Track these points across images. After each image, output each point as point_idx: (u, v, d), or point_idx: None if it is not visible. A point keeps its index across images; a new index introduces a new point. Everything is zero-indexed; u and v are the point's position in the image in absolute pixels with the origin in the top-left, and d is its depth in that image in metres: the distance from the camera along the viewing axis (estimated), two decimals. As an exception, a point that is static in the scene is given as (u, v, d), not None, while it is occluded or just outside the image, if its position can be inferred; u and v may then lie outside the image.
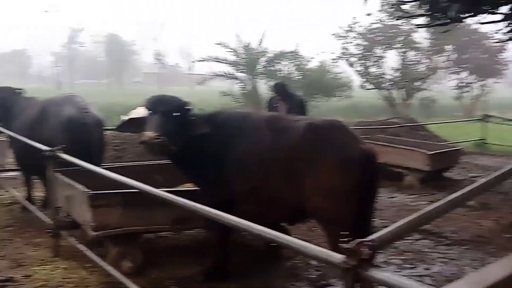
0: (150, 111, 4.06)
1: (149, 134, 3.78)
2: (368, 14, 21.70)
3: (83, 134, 5.64)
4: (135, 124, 4.26)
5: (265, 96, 16.98)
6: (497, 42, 18.43)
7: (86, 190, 4.11)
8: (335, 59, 22.43)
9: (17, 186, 7.31)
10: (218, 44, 20.43)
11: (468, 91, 29.85)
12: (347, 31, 22.95)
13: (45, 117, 5.90)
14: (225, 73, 19.31)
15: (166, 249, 5.08)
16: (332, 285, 4.49)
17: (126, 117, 4.53)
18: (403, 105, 23.56)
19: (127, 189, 4.09)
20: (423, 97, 26.50)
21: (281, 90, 7.80)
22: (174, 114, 4.02)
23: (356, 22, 22.78)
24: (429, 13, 5.29)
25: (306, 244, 1.96)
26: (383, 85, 23.38)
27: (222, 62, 19.13)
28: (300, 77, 19.08)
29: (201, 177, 4.23)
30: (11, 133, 6.16)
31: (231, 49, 19.15)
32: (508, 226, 6.32)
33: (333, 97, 19.70)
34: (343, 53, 23.33)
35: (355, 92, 21.67)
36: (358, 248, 1.78)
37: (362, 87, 23.81)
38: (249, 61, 18.89)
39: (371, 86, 23.87)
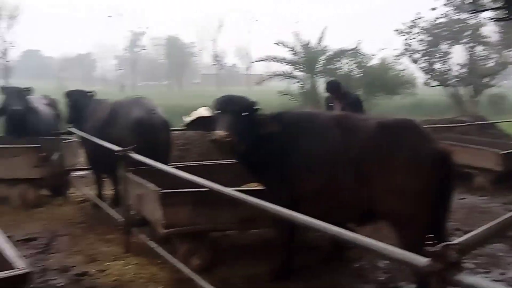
0: (219, 111, 4.10)
1: (219, 133, 3.83)
2: (433, 9, 20.92)
3: (151, 135, 5.81)
4: (204, 123, 4.40)
5: (324, 95, 16.78)
6: None
7: (157, 188, 4.21)
8: (398, 55, 21.80)
9: (87, 185, 7.65)
10: (277, 43, 20.50)
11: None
12: (411, 26, 22.21)
13: (114, 119, 6.12)
14: (284, 73, 19.27)
15: (232, 247, 5.13)
16: None
17: (188, 118, 4.64)
18: (470, 102, 22.49)
19: (195, 188, 4.20)
20: (492, 93, 25.18)
21: (334, 88, 7.53)
22: (243, 113, 4.06)
23: (420, 17, 22.02)
24: (506, 5, 4.99)
25: (387, 246, 1.89)
26: (449, 81, 22.40)
27: (281, 62, 19.09)
28: (361, 75, 18.63)
29: (268, 176, 4.23)
30: (83, 134, 6.46)
31: (290, 48, 19.07)
32: None
33: (396, 94, 19.10)
34: (406, 49, 22.62)
35: (419, 90, 20.89)
36: (445, 251, 1.70)
37: (426, 84, 22.96)
38: (308, 59, 18.72)
39: (436, 83, 22.96)
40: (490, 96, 25.34)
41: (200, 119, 4.52)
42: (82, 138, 6.75)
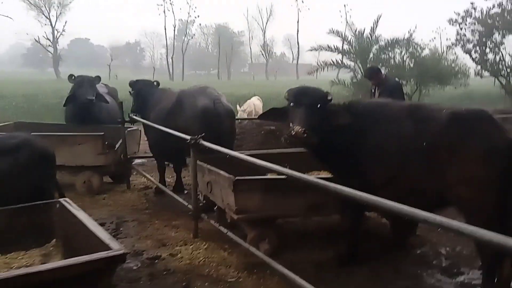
0: (293, 103, 4.08)
1: (296, 128, 3.81)
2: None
3: (216, 123, 5.97)
4: (275, 114, 4.42)
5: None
6: None
7: (231, 175, 4.35)
8: (450, 46, 21.17)
9: (148, 172, 7.83)
10: (329, 32, 20.33)
11: None
12: (464, 16, 21.49)
13: (181, 108, 6.32)
14: (335, 62, 19.08)
15: (296, 234, 5.23)
16: (464, 274, 4.44)
17: (242, 108, 4.73)
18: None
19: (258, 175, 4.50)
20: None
21: (372, 74, 7.45)
22: (318, 106, 4.03)
23: (474, 7, 21.25)
24: None
25: (481, 230, 1.92)
26: (502, 72, 21.56)
27: (333, 51, 18.92)
28: (413, 65, 18.24)
29: (340, 167, 4.27)
30: (149, 123, 6.67)
31: (343, 37, 18.86)
32: None
33: (448, 85, 18.61)
34: (458, 39, 21.92)
35: (471, 80, 20.24)
36: None
37: (478, 74, 22.21)
38: (360, 49, 18.46)
39: (488, 74, 22.18)
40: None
41: (273, 110, 4.50)
42: (147, 126, 6.98)
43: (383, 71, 18.14)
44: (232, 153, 4.24)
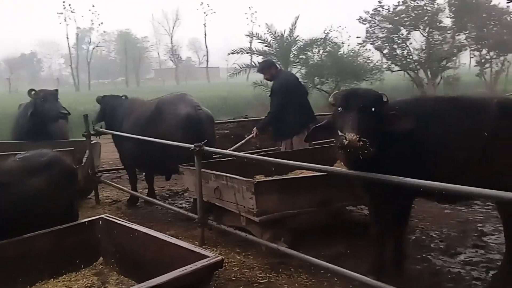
0: (341, 108, 3.56)
1: (349, 136, 3.21)
2: (393, -4, 21.85)
3: (199, 129, 6.00)
4: (322, 130, 3.89)
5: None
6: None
7: (249, 179, 4.45)
8: (362, 43, 22.65)
9: (117, 184, 7.68)
10: (248, 35, 20.78)
11: (488, 67, 29.92)
12: (372, 15, 23.11)
13: (161, 116, 6.24)
14: (255, 64, 19.50)
15: (311, 229, 5.37)
16: (462, 253, 4.85)
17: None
18: (430, 84, 23.69)
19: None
20: (448, 75, 26.58)
21: (264, 69, 7.18)
22: (372, 109, 3.50)
23: (381, 6, 22.96)
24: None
25: None
26: (410, 66, 23.51)
27: (255, 53, 19.36)
28: (332, 63, 19.22)
29: (398, 170, 3.48)
30: (123, 134, 6.51)
31: (262, 39, 19.32)
32: None
33: (365, 80, 19.85)
34: (368, 36, 23.52)
35: (384, 75, 21.79)
36: None
37: (389, 69, 23.95)
38: (280, 51, 19.06)
39: (398, 68, 24.04)
40: (446, 78, 26.75)
41: (317, 128, 3.93)
42: (118, 137, 6.81)
43: (298, 70, 19.02)
44: (244, 155, 4.34)
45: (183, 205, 7.03)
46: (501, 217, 4.17)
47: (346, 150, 3.26)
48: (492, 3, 26.46)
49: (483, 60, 29.48)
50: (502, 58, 29.92)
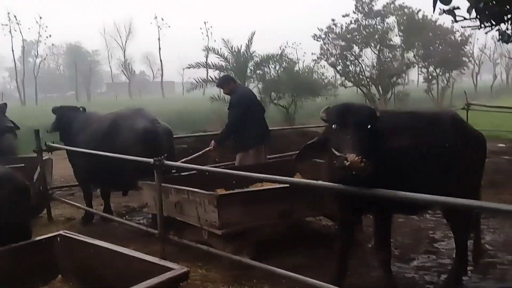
0: (337, 125, 3.39)
1: (351, 156, 3.03)
2: (345, 15, 22.60)
3: (157, 144, 5.95)
4: (314, 148, 3.70)
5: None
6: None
7: (211, 192, 4.43)
8: (316, 59, 23.22)
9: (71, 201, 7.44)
10: (205, 50, 20.83)
11: (435, 84, 31.33)
12: (326, 32, 23.76)
13: (118, 130, 6.14)
14: (212, 79, 19.55)
15: (273, 241, 5.33)
16: (415, 259, 5.09)
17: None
18: (382, 100, 24.51)
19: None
20: (398, 91, 27.60)
21: (222, 83, 7.25)
22: (368, 126, 3.36)
23: (335, 24, 23.67)
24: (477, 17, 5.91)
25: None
26: (363, 82, 24.26)
27: (212, 68, 19.42)
28: (288, 79, 19.53)
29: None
30: (77, 149, 6.35)
31: (219, 54, 19.41)
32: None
33: (320, 96, 20.27)
34: (322, 53, 24.13)
35: (338, 91, 22.37)
36: None
37: (343, 85, 24.62)
38: (237, 66, 19.20)
39: (351, 84, 24.75)
40: (397, 94, 27.77)
41: (308, 146, 3.73)
42: (73, 152, 6.63)
43: (255, 85, 19.18)
44: (212, 169, 4.33)
45: (141, 221, 6.91)
46: (449, 224, 4.52)
47: (347, 172, 3.07)
48: (437, 23, 27.77)
49: (430, 77, 30.81)
50: (447, 75, 31.45)
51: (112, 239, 5.91)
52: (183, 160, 6.51)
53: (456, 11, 6.13)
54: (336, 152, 3.17)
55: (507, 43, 7.72)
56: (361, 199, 3.49)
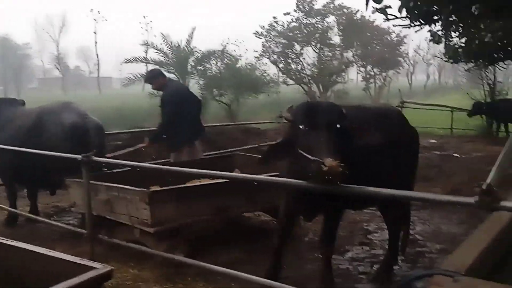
0: (304, 126, 3.15)
1: (328, 161, 2.78)
2: (286, 14, 22.82)
3: (87, 139, 5.66)
4: (280, 151, 3.43)
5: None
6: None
7: (143, 189, 4.27)
8: (259, 57, 23.29)
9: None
10: (143, 45, 20.32)
11: (373, 83, 32.44)
12: (268, 30, 23.90)
13: (43, 126, 5.79)
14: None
15: (208, 237, 5.25)
16: (350, 251, 5.19)
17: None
18: (322, 98, 24.99)
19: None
20: (338, 89, 28.28)
21: (151, 78, 6.83)
22: (337, 125, 3.17)
23: (277, 21, 23.85)
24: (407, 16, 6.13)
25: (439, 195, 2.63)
26: (304, 80, 24.63)
27: (150, 63, 18.96)
28: (230, 75, 19.45)
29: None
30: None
31: (158, 49, 19.00)
32: None
33: (262, 93, 20.34)
34: (264, 51, 24.25)
35: (280, 88, 22.61)
36: (490, 188, 2.35)
37: (284, 82, 24.89)
38: (177, 61, 18.87)
39: (292, 82, 25.07)
40: (336, 92, 28.44)
41: (273, 147, 3.56)
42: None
43: (196, 81, 18.94)
44: (144, 165, 4.17)
45: (71, 221, 6.57)
46: (383, 216, 4.69)
47: (324, 177, 2.79)
48: (375, 24, 28.70)
49: (368, 76, 31.83)
50: (384, 74, 32.64)
51: (38, 241, 5.57)
52: (110, 155, 6.13)
53: (388, 10, 6.35)
54: (308, 156, 2.92)
55: (438, 43, 8.11)
56: (320, 197, 3.30)
